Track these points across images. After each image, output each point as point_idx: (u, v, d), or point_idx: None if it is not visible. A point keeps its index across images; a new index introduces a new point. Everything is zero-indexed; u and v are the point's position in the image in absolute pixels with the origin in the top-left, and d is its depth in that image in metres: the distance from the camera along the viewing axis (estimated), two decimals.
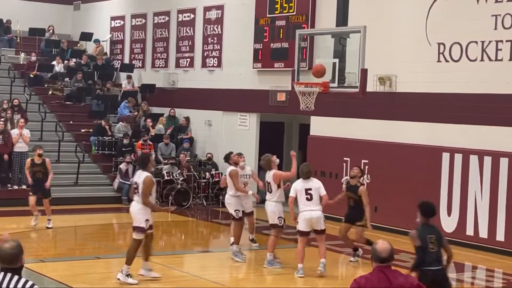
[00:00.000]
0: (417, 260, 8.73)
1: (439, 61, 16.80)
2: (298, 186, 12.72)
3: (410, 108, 17.41)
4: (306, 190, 12.59)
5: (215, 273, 12.96)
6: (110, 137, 22.33)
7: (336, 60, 15.04)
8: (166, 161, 21.54)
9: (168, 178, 20.67)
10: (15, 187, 19.83)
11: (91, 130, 22.86)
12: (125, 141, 21.81)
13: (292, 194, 12.76)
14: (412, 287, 6.20)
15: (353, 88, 14.83)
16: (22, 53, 25.72)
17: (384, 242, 6.27)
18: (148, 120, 23.14)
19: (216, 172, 21.60)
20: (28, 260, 13.35)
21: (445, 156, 16.56)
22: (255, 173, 15.59)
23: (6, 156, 19.70)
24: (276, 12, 20.62)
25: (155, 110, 24.40)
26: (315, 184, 12.70)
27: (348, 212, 13.98)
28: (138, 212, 11.69)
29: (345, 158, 18.34)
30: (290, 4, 20.18)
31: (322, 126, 19.64)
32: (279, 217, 13.24)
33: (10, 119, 20.58)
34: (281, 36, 20.46)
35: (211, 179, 21.40)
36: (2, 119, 20.10)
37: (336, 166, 18.55)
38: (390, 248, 6.23)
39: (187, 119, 23.58)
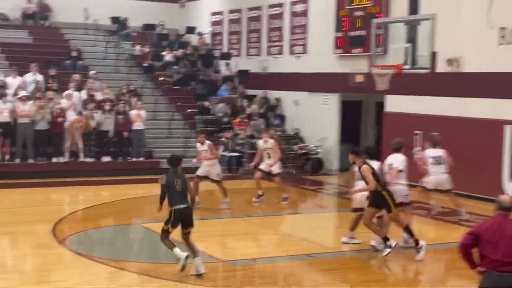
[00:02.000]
0: None
1: (501, 43, 16.23)
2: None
3: (475, 86, 16.91)
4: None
5: (305, 233, 12.94)
6: (212, 116, 22.59)
7: (409, 45, 14.75)
8: (259, 135, 21.60)
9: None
10: (134, 159, 20.27)
11: (196, 110, 23.13)
12: (225, 119, 21.97)
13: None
14: None
15: (424, 69, 14.52)
16: (138, 46, 26.13)
17: (506, 196, 6.79)
18: (244, 101, 23.24)
19: (303, 144, 21.57)
20: (147, 220, 13.74)
21: (507, 129, 16.07)
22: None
23: (126, 133, 20.14)
24: (354, 3, 20.34)
25: (250, 92, 24.47)
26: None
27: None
28: None
29: (416, 132, 17.98)
30: None
31: (396, 104, 19.31)
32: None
33: (129, 102, 20.99)
34: (359, 25, 20.19)
35: (298, 150, 21.37)
36: (122, 102, 20.51)
37: (408, 139, 18.20)
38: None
39: (278, 99, 23.60)
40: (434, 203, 13.86)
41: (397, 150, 11.53)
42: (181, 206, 9.79)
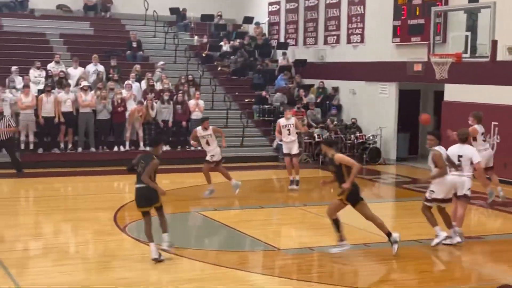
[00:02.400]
0: None
1: None
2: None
3: None
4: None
5: (362, 222, 12.83)
6: (269, 105, 22.58)
7: (468, 33, 14.45)
8: (316, 125, 21.53)
9: (319, 140, 20.65)
10: (192, 148, 20.41)
11: (253, 99, 23.17)
12: (282, 109, 21.91)
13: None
14: None
15: (484, 58, 14.19)
16: (196, 36, 26.30)
17: None
18: (301, 90, 23.15)
19: (360, 134, 21.39)
20: (205, 208, 13.86)
21: None
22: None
23: (184, 123, 20.33)
24: None
25: (307, 81, 24.37)
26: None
27: None
28: None
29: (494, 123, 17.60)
30: None
31: (455, 93, 18.96)
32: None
33: (187, 91, 21.16)
34: (417, 13, 19.86)
35: (355, 140, 21.20)
36: (181, 92, 20.69)
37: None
38: None
39: (336, 89, 23.45)
40: (490, 190, 13.50)
41: (463, 140, 11.20)
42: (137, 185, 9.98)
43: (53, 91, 19.05)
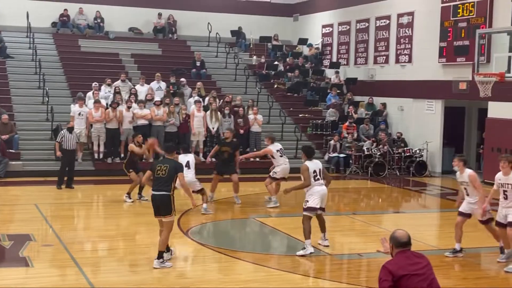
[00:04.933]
0: None
1: None
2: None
3: None
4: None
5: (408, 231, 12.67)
6: (322, 120, 22.54)
7: (511, 54, 14.17)
8: (367, 139, 21.38)
9: (368, 153, 20.51)
10: (251, 159, 20.46)
11: (306, 115, 23.16)
12: (334, 124, 21.92)
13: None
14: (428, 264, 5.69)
15: None
16: (254, 56, 26.48)
17: (401, 230, 5.75)
18: (351, 107, 23.03)
19: (407, 148, 21.15)
20: (261, 215, 13.90)
21: None
22: None
23: (242, 131, 20.30)
24: (459, 15, 19.74)
25: (357, 98, 24.23)
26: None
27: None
28: None
29: None
30: (471, 8, 19.26)
31: (498, 110, 18.59)
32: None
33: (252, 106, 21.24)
34: (462, 35, 19.58)
35: (402, 154, 20.96)
36: (241, 107, 20.80)
37: (510, 145, 17.49)
38: (407, 234, 5.72)
39: (384, 105, 23.26)
40: None
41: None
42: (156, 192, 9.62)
43: (120, 107, 19.27)
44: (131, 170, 14.83)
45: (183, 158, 12.92)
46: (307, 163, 10.63)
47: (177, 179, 9.67)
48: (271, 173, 14.65)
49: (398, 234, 5.71)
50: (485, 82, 14.81)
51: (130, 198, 14.88)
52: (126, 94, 20.58)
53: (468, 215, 10.55)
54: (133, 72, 23.27)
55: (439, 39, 20.54)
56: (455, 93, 19.77)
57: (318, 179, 10.51)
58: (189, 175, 12.65)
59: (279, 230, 12.44)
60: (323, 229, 10.98)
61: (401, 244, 5.68)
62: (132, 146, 14.95)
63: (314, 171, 10.51)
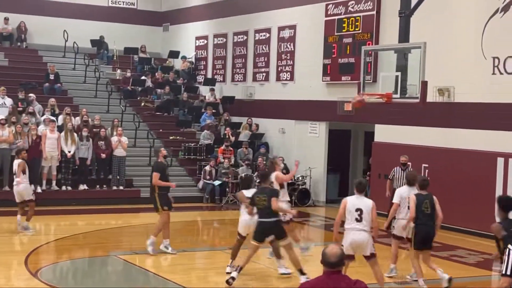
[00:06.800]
0: None
1: (493, 73, 16.44)
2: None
3: (466, 117, 17.08)
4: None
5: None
6: (194, 144, 22.56)
7: (399, 73, 14.84)
8: (243, 163, 21.57)
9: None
10: (114, 187, 20.17)
11: (178, 137, 23.13)
12: (209, 147, 22.05)
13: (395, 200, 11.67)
14: None
15: (414, 99, 14.60)
16: (118, 70, 26.19)
17: (334, 247, 5.38)
18: (227, 128, 23.24)
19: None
20: (124, 251, 13.63)
21: (500, 161, 16.18)
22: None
23: (103, 155, 19.96)
24: (344, 30, 20.53)
25: (235, 119, 24.52)
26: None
27: None
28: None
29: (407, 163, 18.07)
30: (356, 23, 20.08)
31: (385, 133, 19.42)
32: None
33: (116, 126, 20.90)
34: (348, 52, 20.36)
35: None
36: (104, 129, 20.46)
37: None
38: (341, 253, 5.33)
39: (257, 126, 23.61)
40: None
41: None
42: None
43: None
44: (166, 208, 13.31)
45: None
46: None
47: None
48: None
49: (328, 251, 5.32)
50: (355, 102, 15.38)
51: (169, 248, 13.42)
52: None
53: None
54: None
55: (323, 55, 21.19)
56: (340, 114, 20.41)
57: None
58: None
59: (143, 268, 12.24)
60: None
61: (328, 264, 5.30)
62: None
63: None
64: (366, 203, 10.28)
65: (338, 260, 5.28)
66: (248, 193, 11.53)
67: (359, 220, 10.15)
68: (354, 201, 10.31)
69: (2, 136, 18.65)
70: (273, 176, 12.50)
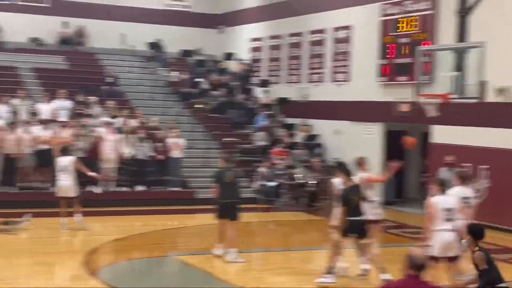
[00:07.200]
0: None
1: None
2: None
3: None
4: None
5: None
6: (250, 145, 22.61)
7: (456, 73, 14.63)
8: (300, 166, 21.52)
9: (301, 181, 20.66)
10: (170, 189, 20.30)
11: (233, 139, 23.20)
12: (263, 149, 22.04)
13: None
14: None
15: (473, 99, 14.37)
16: (175, 72, 26.39)
17: (418, 250, 5.57)
18: (282, 130, 23.22)
19: None
20: (182, 252, 13.71)
21: None
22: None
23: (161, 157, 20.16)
24: (399, 30, 20.29)
25: (289, 120, 24.48)
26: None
27: None
28: None
29: (464, 164, 17.76)
30: (413, 23, 19.82)
31: (442, 134, 19.13)
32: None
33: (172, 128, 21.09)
34: (404, 52, 20.11)
35: None
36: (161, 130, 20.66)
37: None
38: (426, 257, 5.54)
39: (311, 127, 23.52)
40: None
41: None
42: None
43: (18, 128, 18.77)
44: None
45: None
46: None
47: None
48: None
49: (415, 254, 5.46)
50: (428, 103, 15.22)
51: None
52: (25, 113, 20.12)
53: None
54: (35, 89, 22.76)
55: (378, 56, 20.97)
56: (396, 115, 20.19)
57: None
58: None
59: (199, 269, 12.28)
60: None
61: (414, 266, 5.41)
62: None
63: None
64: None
65: (424, 264, 5.48)
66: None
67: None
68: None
69: (62, 138, 18.97)
70: (361, 176, 12.01)
